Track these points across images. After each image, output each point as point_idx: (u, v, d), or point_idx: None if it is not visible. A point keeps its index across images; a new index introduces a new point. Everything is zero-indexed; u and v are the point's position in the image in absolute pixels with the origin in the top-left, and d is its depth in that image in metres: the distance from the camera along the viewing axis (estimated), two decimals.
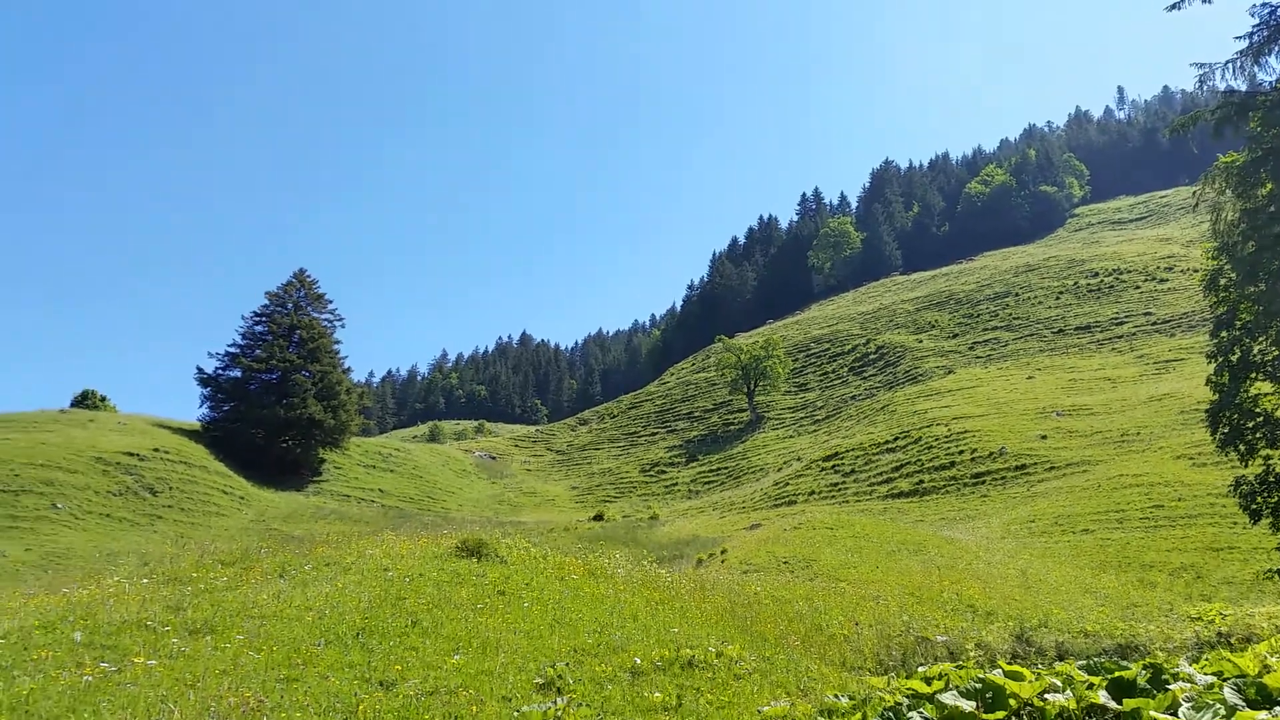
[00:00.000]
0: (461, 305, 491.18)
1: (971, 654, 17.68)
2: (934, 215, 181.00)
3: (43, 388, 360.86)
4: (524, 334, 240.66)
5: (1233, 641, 19.20)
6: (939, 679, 6.69)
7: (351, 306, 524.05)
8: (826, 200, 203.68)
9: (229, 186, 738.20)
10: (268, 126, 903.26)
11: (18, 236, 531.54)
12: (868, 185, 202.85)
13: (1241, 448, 28.91)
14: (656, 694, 10.17)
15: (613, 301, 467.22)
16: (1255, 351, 28.80)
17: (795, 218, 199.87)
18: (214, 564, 19.06)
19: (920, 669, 7.67)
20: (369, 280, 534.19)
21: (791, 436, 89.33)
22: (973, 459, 57.13)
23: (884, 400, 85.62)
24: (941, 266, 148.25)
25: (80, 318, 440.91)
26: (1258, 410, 28.66)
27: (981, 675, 6.00)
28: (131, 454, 57.19)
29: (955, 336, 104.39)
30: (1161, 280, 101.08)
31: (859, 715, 6.70)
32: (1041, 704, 5.59)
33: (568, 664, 11.08)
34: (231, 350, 76.03)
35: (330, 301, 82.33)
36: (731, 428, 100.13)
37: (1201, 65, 29.74)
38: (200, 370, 75.27)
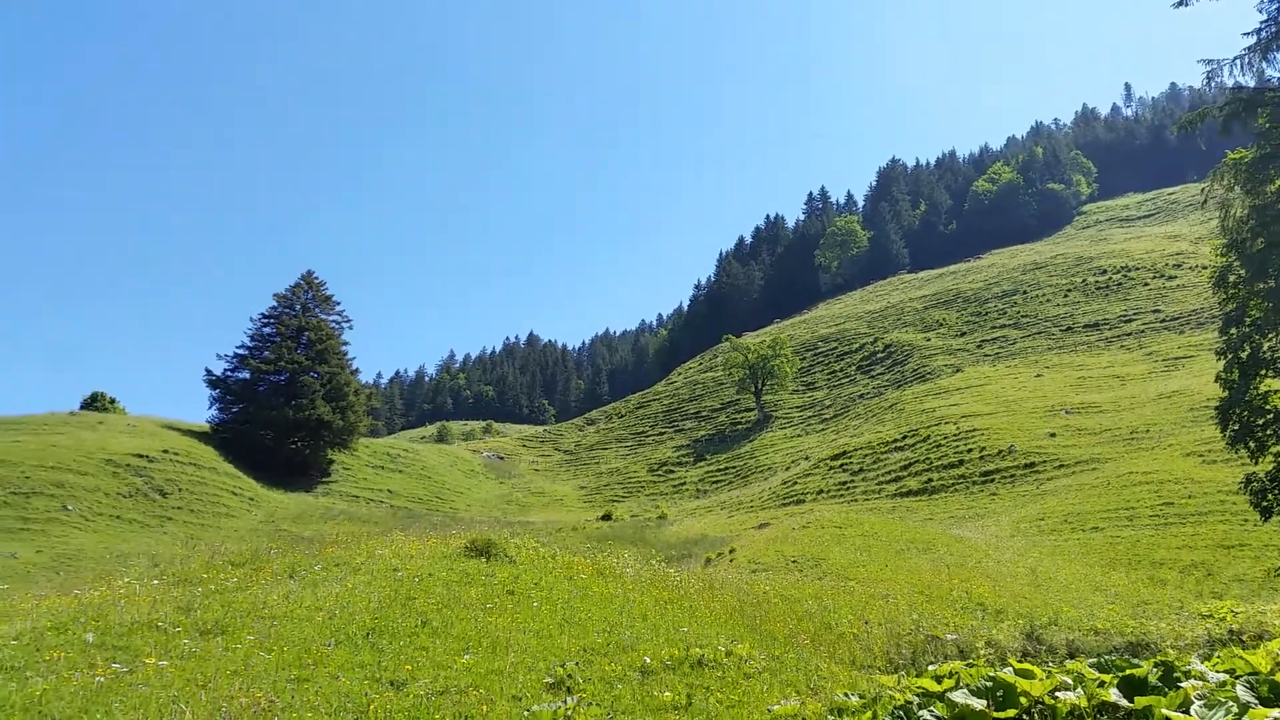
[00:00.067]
0: (469, 306, 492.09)
1: (982, 652, 17.66)
2: (941, 214, 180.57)
3: (52, 390, 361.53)
4: (531, 334, 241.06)
5: (1245, 639, 19.14)
6: (949, 677, 6.67)
7: (359, 308, 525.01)
8: (833, 199, 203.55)
9: (236, 188, 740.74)
10: (275, 128, 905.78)
11: (23, 239, 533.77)
12: (874, 184, 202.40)
13: (1252, 445, 28.82)
14: (666, 693, 10.17)
15: (620, 301, 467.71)
16: (1265, 348, 28.70)
17: (802, 217, 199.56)
18: (224, 565, 19.12)
19: (930, 667, 7.65)
20: (377, 281, 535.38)
21: (799, 435, 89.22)
22: (981, 457, 57.00)
23: (892, 399, 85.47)
24: (949, 265, 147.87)
25: (88, 320, 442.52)
26: (1268, 407, 28.57)
27: (992, 673, 5.98)
28: (141, 456, 57.38)
29: (963, 335, 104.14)
30: (1170, 277, 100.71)
31: (869, 714, 6.68)
32: (1053, 702, 5.57)
33: (577, 663, 11.09)
34: (240, 352, 76.27)
35: (338, 303, 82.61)
36: (739, 427, 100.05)
37: (1209, 62, 29.66)
38: (209, 372, 75.56)
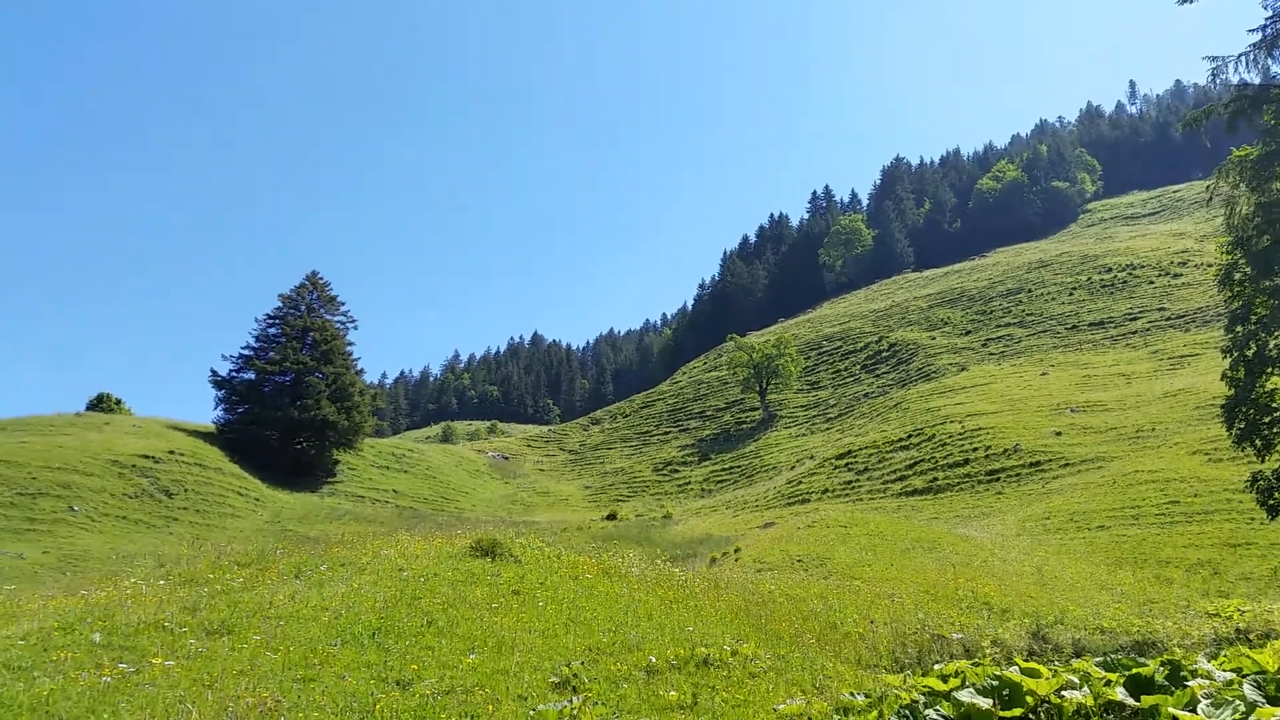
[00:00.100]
0: (473, 306, 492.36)
1: (987, 651, 17.63)
2: (946, 212, 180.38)
3: (58, 391, 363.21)
4: (535, 334, 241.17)
5: (1251, 638, 19.08)
6: (955, 676, 6.67)
7: (364, 308, 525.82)
8: (837, 198, 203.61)
9: (241, 189, 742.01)
10: (279, 128, 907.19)
11: (27, 240, 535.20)
12: (879, 182, 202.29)
13: (1258, 443, 28.77)
14: (672, 692, 10.18)
15: (624, 301, 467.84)
16: (1271, 346, 28.64)
17: (806, 215, 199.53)
18: (230, 565, 19.16)
19: (936, 666, 7.65)
20: (381, 282, 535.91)
21: (804, 435, 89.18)
22: (987, 456, 56.93)
23: (897, 398, 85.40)
24: (954, 263, 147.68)
25: (94, 321, 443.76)
26: (1274, 405, 28.52)
27: (998, 672, 5.98)
28: (147, 456, 57.50)
29: (968, 333, 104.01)
30: (1175, 275, 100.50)
31: (875, 713, 6.69)
32: (1059, 701, 5.57)
33: (583, 663, 11.10)
34: (245, 353, 76.38)
35: (343, 303, 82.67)
36: (744, 426, 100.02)
37: (1214, 59, 29.62)
38: (214, 373, 75.64)
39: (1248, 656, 6.25)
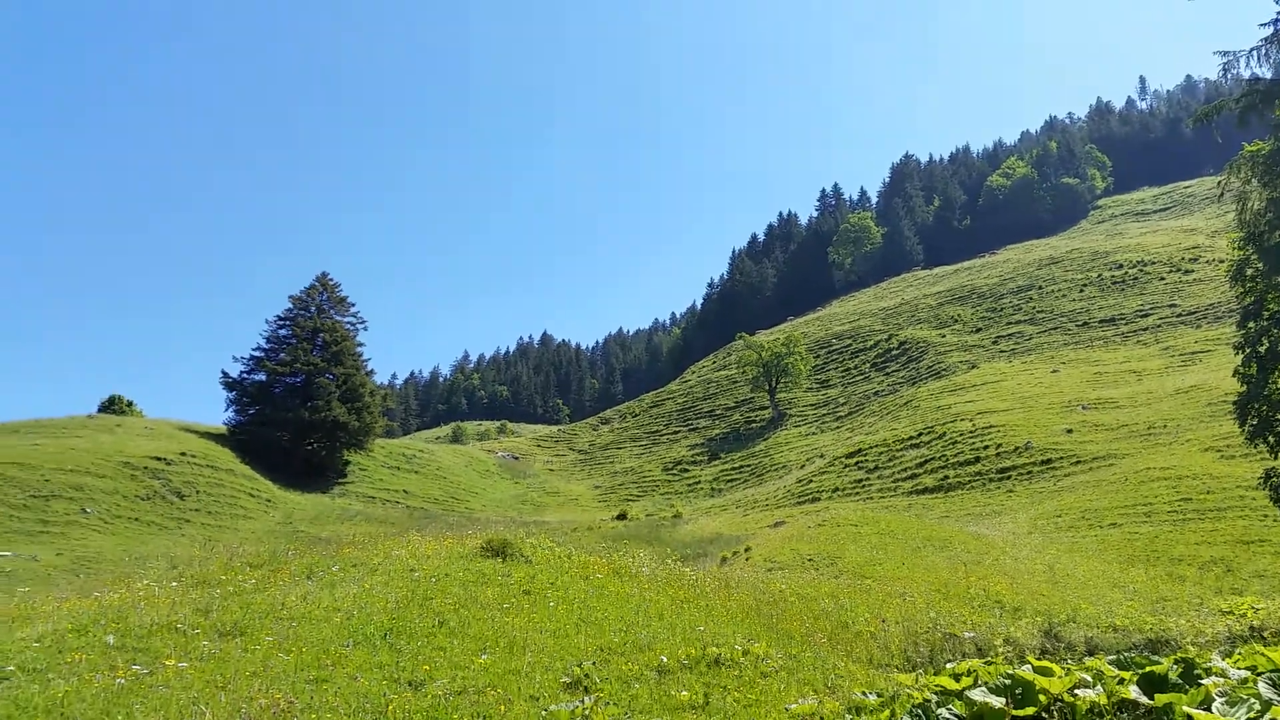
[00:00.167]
0: (482, 306, 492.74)
1: (1000, 650, 17.56)
2: (955, 209, 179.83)
3: (70, 394, 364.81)
4: (545, 334, 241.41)
5: (1266, 635, 18.99)
6: (967, 675, 6.66)
7: (374, 309, 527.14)
8: (846, 195, 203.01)
9: (252, 192, 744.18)
10: (291, 132, 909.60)
11: (35, 244, 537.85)
12: (888, 180, 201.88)
13: (1271, 440, 28.63)
14: (684, 692, 10.18)
15: (633, 300, 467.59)
16: None
17: (815, 214, 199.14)
18: (242, 566, 19.24)
19: (948, 665, 7.63)
20: (391, 283, 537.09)
21: (814, 433, 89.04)
22: (998, 454, 56.76)
23: (907, 396, 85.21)
24: (963, 260, 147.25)
25: (105, 324, 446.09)
26: None
27: (1010, 671, 5.96)
28: (158, 458, 57.71)
29: (978, 331, 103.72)
30: (1186, 271, 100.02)
31: (887, 712, 6.68)
32: (1072, 699, 5.55)
33: (594, 663, 11.10)
34: (256, 354, 76.63)
35: (352, 304, 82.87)
36: (753, 425, 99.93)
37: (1225, 53, 29.47)
38: (225, 374, 75.91)
39: (1262, 654, 6.22)
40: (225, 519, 55.19)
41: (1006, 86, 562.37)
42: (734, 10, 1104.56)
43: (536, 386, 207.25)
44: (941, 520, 45.47)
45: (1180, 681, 5.46)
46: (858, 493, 60.76)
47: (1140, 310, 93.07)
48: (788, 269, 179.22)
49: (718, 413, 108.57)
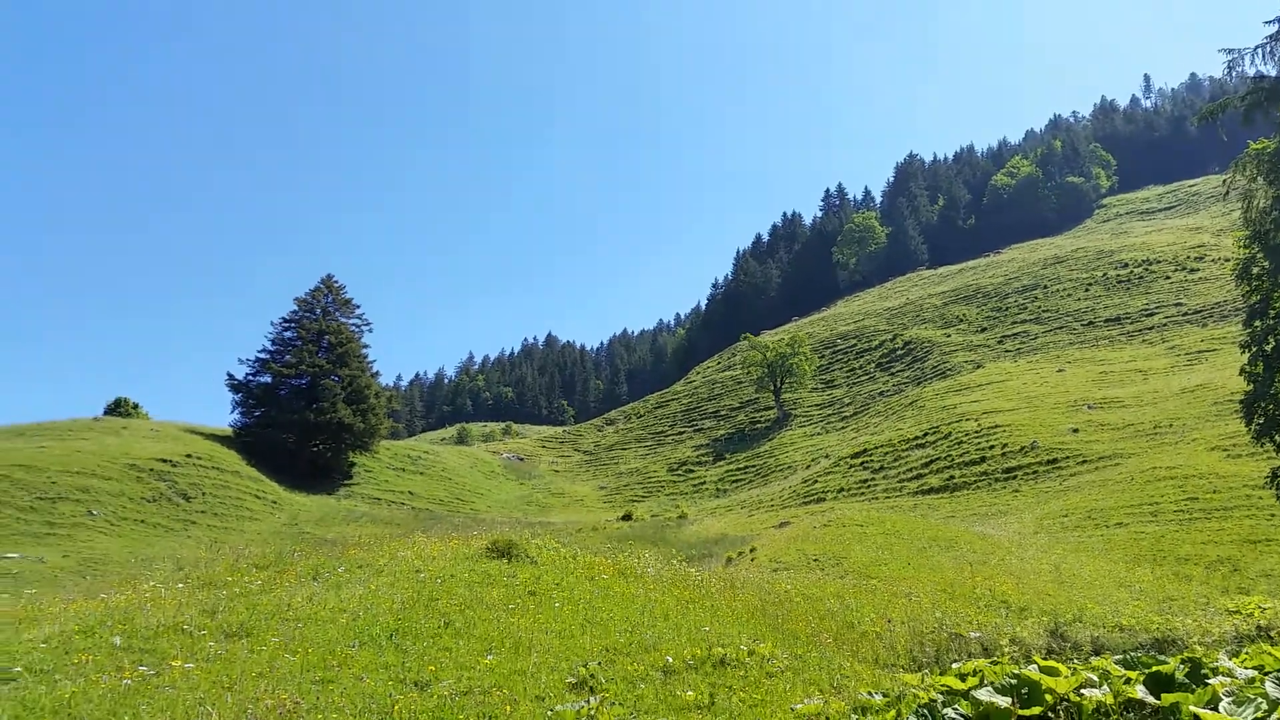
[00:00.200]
0: (486, 308, 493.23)
1: (1006, 650, 17.54)
2: (960, 208, 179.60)
3: (75, 396, 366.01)
4: (549, 335, 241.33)
5: (1273, 635, 18.93)
6: (974, 675, 6.65)
7: (378, 311, 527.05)
8: (850, 195, 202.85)
9: (256, 194, 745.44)
10: (294, 134, 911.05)
11: (42, 246, 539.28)
12: (892, 179, 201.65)
13: (1277, 438, 28.56)
14: (689, 692, 10.18)
15: (637, 301, 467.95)
16: None
17: (819, 213, 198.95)
18: (248, 568, 19.27)
19: (954, 665, 7.62)
20: (395, 284, 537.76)
21: (819, 434, 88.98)
22: (1004, 453, 56.67)
23: (912, 396, 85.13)
24: (968, 260, 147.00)
25: (110, 326, 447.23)
26: None
27: (1017, 671, 5.95)
28: (164, 460, 57.83)
29: (984, 330, 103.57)
30: (1192, 270, 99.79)
31: (893, 713, 6.67)
32: (1078, 699, 5.54)
33: (600, 663, 11.11)
34: (261, 356, 76.74)
35: (358, 306, 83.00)
36: (758, 426, 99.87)
37: (1230, 51, 29.43)
38: (231, 376, 76.04)
39: (1269, 653, 6.20)
40: (231, 520, 55.28)
41: (1011, 85, 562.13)
42: (735, 10, 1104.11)
43: (541, 388, 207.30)
44: (947, 520, 45.41)
45: (1187, 681, 5.44)
46: (863, 493, 60.70)
47: (1146, 309, 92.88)
48: (792, 269, 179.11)
49: (723, 413, 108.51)
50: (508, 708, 9.12)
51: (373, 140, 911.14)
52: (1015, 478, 52.77)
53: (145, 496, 52.83)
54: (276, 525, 56.31)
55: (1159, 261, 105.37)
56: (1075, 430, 57.45)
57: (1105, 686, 5.61)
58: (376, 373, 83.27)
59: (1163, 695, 5.23)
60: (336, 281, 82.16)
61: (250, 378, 76.04)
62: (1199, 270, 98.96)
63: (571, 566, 19.68)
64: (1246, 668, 5.92)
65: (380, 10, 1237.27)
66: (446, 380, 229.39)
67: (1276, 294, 28.42)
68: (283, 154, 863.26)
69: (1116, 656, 6.59)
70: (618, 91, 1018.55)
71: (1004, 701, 5.56)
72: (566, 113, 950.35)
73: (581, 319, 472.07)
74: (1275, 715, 4.68)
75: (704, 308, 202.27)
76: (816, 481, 67.54)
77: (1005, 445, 57.68)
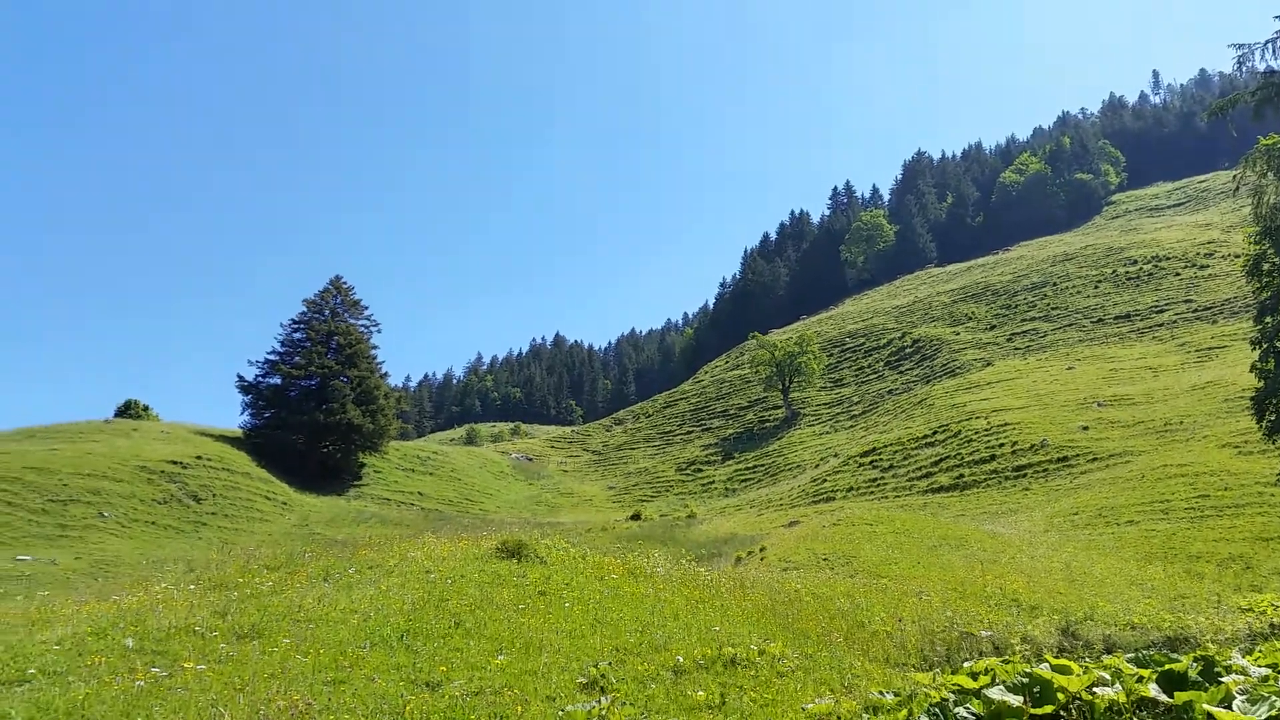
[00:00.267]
0: (495, 308, 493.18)
1: (1017, 648, 17.49)
2: (968, 206, 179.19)
3: (86, 398, 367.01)
4: (557, 335, 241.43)
5: None
6: (985, 674, 6.64)
7: (387, 311, 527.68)
8: (858, 193, 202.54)
9: (265, 195, 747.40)
10: (301, 134, 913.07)
11: (52, 249, 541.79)
12: (900, 177, 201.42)
13: None
14: (700, 692, 10.17)
15: (645, 301, 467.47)
16: None
17: (827, 212, 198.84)
18: (259, 569, 19.33)
19: (966, 664, 7.61)
20: (404, 285, 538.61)
21: (828, 432, 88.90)
22: (1014, 452, 56.53)
23: (921, 394, 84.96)
24: (977, 258, 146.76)
25: (120, 328, 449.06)
26: None
27: (1028, 669, 5.94)
28: (175, 462, 58.04)
29: (993, 328, 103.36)
30: (1202, 266, 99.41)
31: (905, 712, 6.66)
32: (1090, 698, 5.52)
33: (610, 663, 11.11)
34: (271, 358, 76.98)
35: (366, 307, 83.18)
36: (767, 425, 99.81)
37: (1240, 46, 29.33)
38: (241, 378, 76.29)
39: None
40: (241, 522, 55.47)
41: (1018, 82, 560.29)
42: (736, 9, 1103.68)
43: (549, 388, 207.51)
44: (957, 519, 45.31)
45: (1200, 679, 5.42)
46: (872, 492, 60.62)
47: (1155, 306, 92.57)
48: (800, 268, 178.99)
49: (731, 412, 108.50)
50: (519, 708, 9.13)
51: (373, 140, 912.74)
52: (1025, 476, 52.64)
53: (156, 498, 53.04)
54: (287, 526, 56.49)
55: (1169, 258, 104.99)
56: (1085, 428, 57.29)
57: (1118, 685, 5.59)
58: (385, 374, 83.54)
59: (1176, 694, 5.21)
60: (345, 283, 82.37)
61: (260, 379, 76.31)
62: (1209, 267, 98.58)
63: (581, 566, 19.69)
64: (1260, 665, 5.90)
65: (380, 10, 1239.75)
66: (455, 381, 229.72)
67: None
68: (283, 154, 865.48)
69: (1129, 655, 6.57)
70: (620, 91, 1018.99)
71: (1016, 700, 5.55)
72: (574, 114, 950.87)
73: (589, 319, 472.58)
74: None
75: (712, 307, 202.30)
76: (825, 480, 67.47)
77: (1015, 443, 57.54)
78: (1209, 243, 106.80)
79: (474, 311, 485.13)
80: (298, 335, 78.17)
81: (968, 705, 5.75)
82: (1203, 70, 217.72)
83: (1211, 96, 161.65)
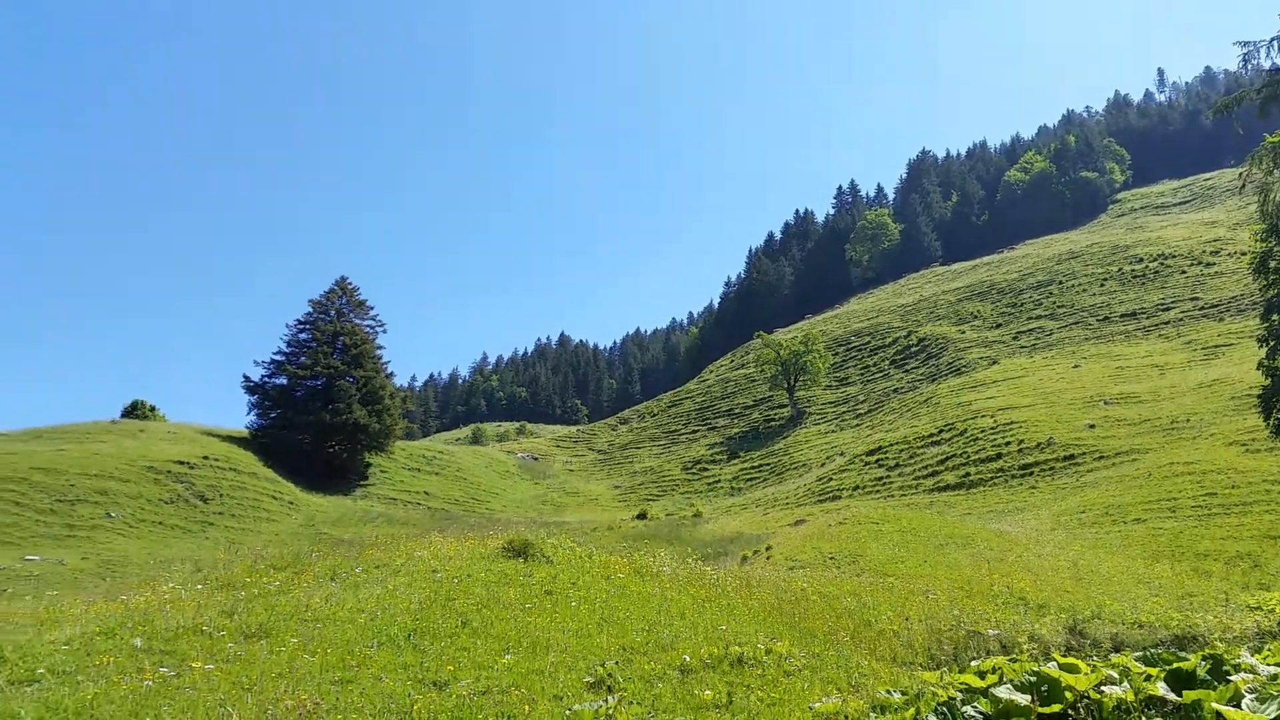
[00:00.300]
0: (500, 308, 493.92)
1: (1024, 647, 17.45)
2: (973, 204, 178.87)
3: (93, 399, 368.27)
4: (562, 335, 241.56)
5: None
6: (992, 673, 6.63)
7: (391, 312, 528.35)
8: (863, 192, 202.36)
9: (269, 195, 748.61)
10: (306, 135, 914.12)
11: (59, 250, 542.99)
12: (905, 176, 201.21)
13: None
14: (707, 691, 10.17)
15: (650, 301, 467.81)
16: None
17: (831, 211, 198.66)
18: (266, 569, 19.36)
19: (973, 663, 7.60)
20: (409, 285, 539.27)
21: (834, 431, 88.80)
22: (1020, 450, 56.41)
23: (927, 393, 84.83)
24: (982, 256, 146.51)
25: (126, 329, 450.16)
26: None
27: (1036, 668, 5.93)
28: (182, 462, 58.18)
29: (998, 326, 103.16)
30: (1208, 264, 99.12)
31: (912, 711, 6.65)
32: (1098, 696, 5.51)
33: (617, 662, 11.11)
34: (277, 358, 77.14)
35: (371, 308, 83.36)
36: (773, 424, 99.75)
37: (1245, 43, 29.25)
38: (247, 378, 76.46)
39: None
40: (248, 522, 55.58)
41: (1022, 81, 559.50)
42: (739, 8, 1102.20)
43: (555, 387, 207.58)
44: (964, 517, 45.24)
45: (1209, 678, 5.41)
46: (878, 490, 60.54)
47: (1161, 304, 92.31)
48: (805, 267, 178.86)
49: (736, 411, 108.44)
50: (526, 707, 9.14)
51: (387, 141, 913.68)
52: (1032, 474, 52.53)
53: (163, 498, 53.18)
54: (293, 526, 56.58)
55: (1174, 256, 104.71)
56: (1092, 426, 57.15)
57: (1125, 683, 5.58)
58: (391, 373, 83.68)
59: (1184, 692, 5.21)
60: (350, 283, 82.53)
61: (266, 379, 76.46)
62: (1215, 264, 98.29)
63: (587, 566, 19.70)
64: (1269, 664, 5.89)
65: (380, 10, 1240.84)
66: (460, 381, 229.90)
67: None
68: (296, 156, 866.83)
69: (1136, 653, 6.56)
70: (622, 90, 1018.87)
71: (1023, 699, 5.54)
72: (579, 113, 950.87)
73: (594, 319, 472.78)
74: None
75: (717, 306, 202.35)
76: (831, 479, 67.40)
77: (1021, 442, 57.42)
78: (1215, 240, 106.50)
79: (478, 312, 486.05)
80: (303, 336, 78.32)
81: (975, 704, 5.74)
82: (1208, 68, 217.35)
83: (1217, 94, 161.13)
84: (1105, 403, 62.73)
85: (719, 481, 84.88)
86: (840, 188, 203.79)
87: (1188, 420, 53.35)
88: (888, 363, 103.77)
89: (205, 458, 60.80)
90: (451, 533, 28.81)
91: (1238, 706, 4.87)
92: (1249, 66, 29.89)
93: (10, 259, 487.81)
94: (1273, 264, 29.22)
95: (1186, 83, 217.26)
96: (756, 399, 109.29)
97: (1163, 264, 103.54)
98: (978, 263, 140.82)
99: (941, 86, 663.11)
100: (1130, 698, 5.40)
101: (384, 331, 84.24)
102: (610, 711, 8.79)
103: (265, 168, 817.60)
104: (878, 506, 48.22)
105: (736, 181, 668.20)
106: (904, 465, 63.90)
